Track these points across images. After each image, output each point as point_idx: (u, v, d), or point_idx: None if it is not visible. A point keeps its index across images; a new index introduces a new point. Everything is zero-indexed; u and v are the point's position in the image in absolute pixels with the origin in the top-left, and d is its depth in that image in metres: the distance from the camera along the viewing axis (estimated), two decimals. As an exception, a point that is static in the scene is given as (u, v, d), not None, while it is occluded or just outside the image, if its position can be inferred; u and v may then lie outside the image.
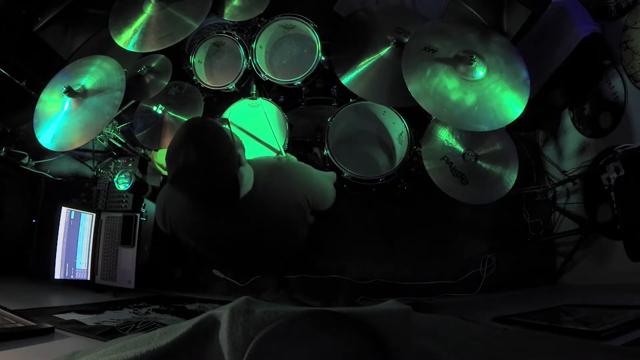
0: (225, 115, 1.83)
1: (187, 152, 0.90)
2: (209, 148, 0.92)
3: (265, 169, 1.13)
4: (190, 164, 0.90)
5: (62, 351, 0.79)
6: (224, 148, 0.95)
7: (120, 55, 1.76)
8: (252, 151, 1.79)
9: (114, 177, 1.95)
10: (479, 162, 1.68)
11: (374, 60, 1.79)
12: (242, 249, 1.23)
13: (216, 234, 1.17)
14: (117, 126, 1.93)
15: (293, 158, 1.62)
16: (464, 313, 1.84)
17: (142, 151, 2.14)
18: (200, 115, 1.86)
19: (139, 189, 2.00)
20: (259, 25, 1.90)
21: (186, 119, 1.86)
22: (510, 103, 1.51)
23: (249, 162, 1.09)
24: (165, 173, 2.03)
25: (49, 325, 1.26)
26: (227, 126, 1.01)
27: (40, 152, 2.28)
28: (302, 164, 1.28)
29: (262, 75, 1.83)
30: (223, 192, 0.99)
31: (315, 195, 1.19)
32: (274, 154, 1.75)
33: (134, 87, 1.84)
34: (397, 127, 1.82)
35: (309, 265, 2.15)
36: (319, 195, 1.21)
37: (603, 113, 1.83)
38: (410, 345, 0.46)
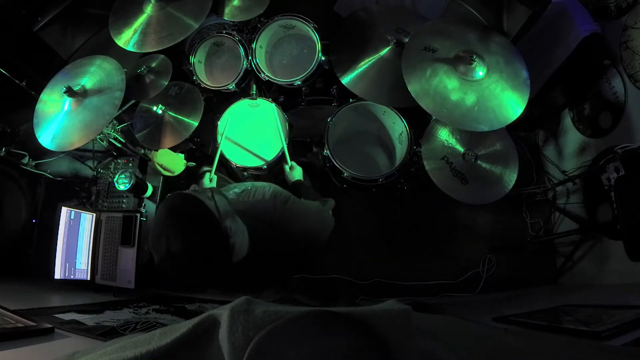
0: (221, 128, 1.77)
1: (169, 240, 0.84)
2: (191, 233, 0.86)
3: (261, 226, 1.04)
4: (174, 252, 0.84)
5: (62, 351, 0.79)
6: (208, 228, 0.87)
7: (120, 55, 1.76)
8: (251, 157, 1.81)
9: (114, 177, 1.95)
10: (479, 162, 1.68)
11: (374, 60, 1.79)
12: (239, 287, 1.25)
13: (214, 284, 1.18)
14: (117, 126, 1.93)
15: (298, 170, 1.60)
16: (464, 313, 1.84)
17: (142, 151, 2.14)
18: (179, 191, 1.73)
19: (139, 189, 2.00)
20: (259, 25, 1.90)
21: (186, 119, 1.86)
22: (510, 103, 1.51)
23: (243, 212, 1.00)
24: (165, 173, 2.03)
25: (49, 325, 1.26)
26: (211, 196, 0.93)
27: (40, 152, 2.28)
28: (300, 208, 1.19)
29: (262, 75, 1.83)
30: (215, 266, 0.93)
31: (315, 239, 1.18)
32: (269, 158, 1.75)
33: (134, 87, 1.84)
34: (397, 127, 1.82)
35: (309, 265, 2.15)
36: (319, 238, 1.20)
37: (603, 113, 1.83)
38: (411, 346, 0.46)
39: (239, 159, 1.78)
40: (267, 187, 1.14)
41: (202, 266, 0.90)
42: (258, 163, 1.76)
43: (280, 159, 1.72)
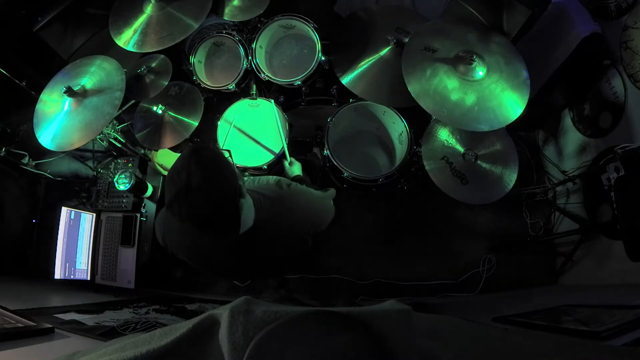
0: (229, 117, 1.82)
1: (190, 173, 0.84)
2: (212, 171, 0.88)
3: (266, 202, 1.09)
4: (192, 185, 0.83)
5: (62, 351, 0.79)
6: (228, 174, 0.91)
7: (120, 55, 1.76)
8: (255, 154, 1.80)
9: (114, 177, 1.95)
10: (479, 162, 1.68)
11: (374, 60, 1.79)
12: (242, 272, 1.29)
13: (217, 263, 1.18)
14: (117, 126, 1.93)
15: (297, 165, 1.62)
16: (464, 313, 1.84)
17: (142, 151, 2.14)
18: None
19: (139, 189, 2.00)
20: (259, 25, 1.89)
21: (186, 119, 1.87)
22: (510, 103, 1.51)
23: (249, 189, 1.07)
24: (165, 173, 2.03)
25: (49, 325, 1.26)
26: (227, 155, 0.99)
27: (40, 152, 2.28)
28: (303, 189, 1.25)
29: (262, 75, 1.83)
30: (223, 221, 0.94)
31: (316, 223, 1.20)
32: (272, 156, 1.75)
33: (134, 87, 1.84)
34: (397, 127, 1.82)
35: (309, 265, 2.15)
36: (319, 222, 1.22)
37: (603, 113, 1.83)
38: (410, 346, 0.46)
39: (239, 159, 1.77)
40: (270, 177, 1.22)
41: (214, 214, 0.90)
42: (258, 163, 1.75)
43: (280, 159, 1.72)
